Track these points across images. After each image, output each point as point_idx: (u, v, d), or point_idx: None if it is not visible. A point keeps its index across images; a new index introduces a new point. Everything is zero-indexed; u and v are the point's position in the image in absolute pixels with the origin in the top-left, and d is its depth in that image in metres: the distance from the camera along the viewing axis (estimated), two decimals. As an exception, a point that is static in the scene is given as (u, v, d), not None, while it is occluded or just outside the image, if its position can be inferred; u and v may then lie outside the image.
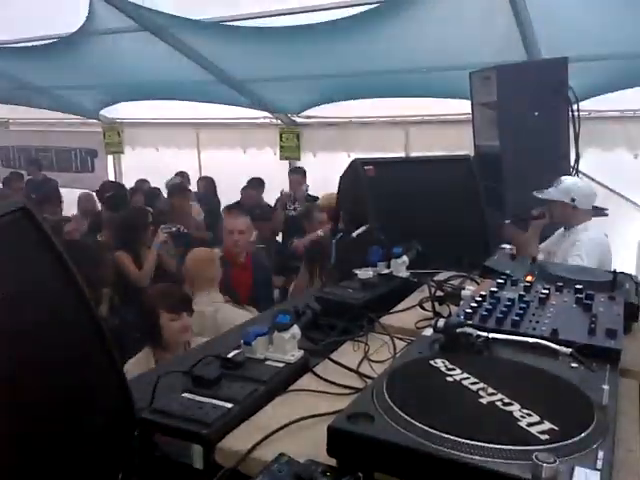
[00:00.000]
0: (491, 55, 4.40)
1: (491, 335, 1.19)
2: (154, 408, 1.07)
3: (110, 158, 8.91)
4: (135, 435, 1.03)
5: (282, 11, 4.92)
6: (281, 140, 7.32)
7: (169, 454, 1.02)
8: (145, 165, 8.01)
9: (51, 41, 6.03)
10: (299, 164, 7.30)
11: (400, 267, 1.99)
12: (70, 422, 0.94)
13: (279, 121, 7.34)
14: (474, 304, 1.38)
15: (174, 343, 2.60)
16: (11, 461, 0.77)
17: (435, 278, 1.87)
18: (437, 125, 6.33)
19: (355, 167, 2.37)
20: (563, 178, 3.28)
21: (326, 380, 1.24)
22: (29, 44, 6.22)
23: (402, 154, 6.32)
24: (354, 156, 2.54)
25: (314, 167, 6.90)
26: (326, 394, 1.18)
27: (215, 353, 1.31)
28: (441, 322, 1.24)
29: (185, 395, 1.11)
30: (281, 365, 1.27)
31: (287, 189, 6.38)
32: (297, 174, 6.61)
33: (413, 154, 6.33)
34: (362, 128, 6.84)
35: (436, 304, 1.64)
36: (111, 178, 8.53)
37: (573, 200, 3.18)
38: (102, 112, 8.40)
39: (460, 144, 4.51)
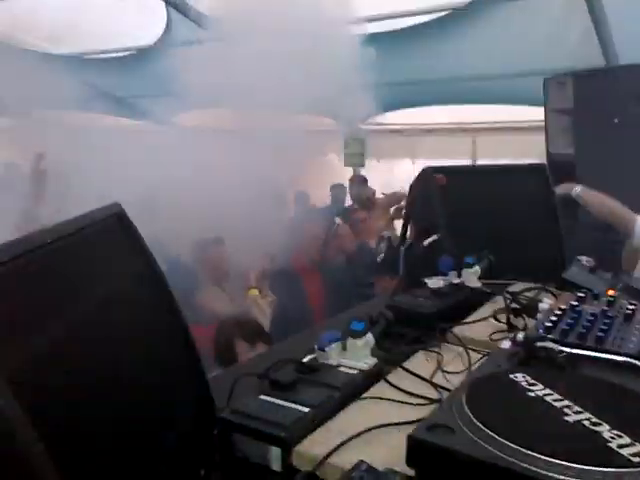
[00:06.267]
0: (565, 60, 4.25)
1: (574, 351, 1.15)
2: (233, 408, 1.10)
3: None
4: (215, 434, 1.06)
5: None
6: (346, 148, 7.34)
7: (247, 454, 1.04)
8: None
9: (129, 53, 6.34)
10: (362, 170, 7.30)
11: (471, 277, 1.95)
12: (157, 418, 0.98)
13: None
14: (554, 318, 1.34)
15: None
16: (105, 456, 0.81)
17: (509, 289, 1.82)
18: (504, 132, 6.18)
19: (425, 175, 2.35)
20: None
21: (400, 389, 1.24)
22: (109, 55, 6.56)
23: (468, 161, 6.20)
24: (418, 163, 2.51)
25: (376, 173, 6.88)
26: (400, 403, 1.18)
27: (288, 357, 1.34)
28: (521, 335, 1.20)
29: (262, 397, 1.14)
30: (355, 372, 1.27)
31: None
32: (358, 181, 6.64)
33: (479, 161, 6.21)
34: (427, 135, 6.77)
35: (511, 316, 1.60)
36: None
37: None
38: (174, 119, 8.70)
39: (527, 152, 4.38)
